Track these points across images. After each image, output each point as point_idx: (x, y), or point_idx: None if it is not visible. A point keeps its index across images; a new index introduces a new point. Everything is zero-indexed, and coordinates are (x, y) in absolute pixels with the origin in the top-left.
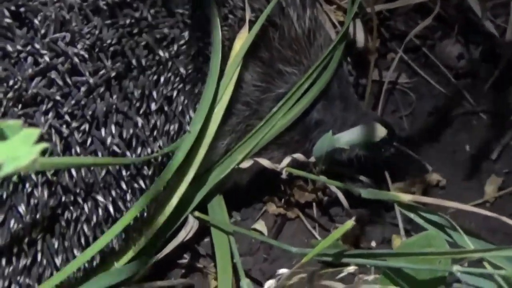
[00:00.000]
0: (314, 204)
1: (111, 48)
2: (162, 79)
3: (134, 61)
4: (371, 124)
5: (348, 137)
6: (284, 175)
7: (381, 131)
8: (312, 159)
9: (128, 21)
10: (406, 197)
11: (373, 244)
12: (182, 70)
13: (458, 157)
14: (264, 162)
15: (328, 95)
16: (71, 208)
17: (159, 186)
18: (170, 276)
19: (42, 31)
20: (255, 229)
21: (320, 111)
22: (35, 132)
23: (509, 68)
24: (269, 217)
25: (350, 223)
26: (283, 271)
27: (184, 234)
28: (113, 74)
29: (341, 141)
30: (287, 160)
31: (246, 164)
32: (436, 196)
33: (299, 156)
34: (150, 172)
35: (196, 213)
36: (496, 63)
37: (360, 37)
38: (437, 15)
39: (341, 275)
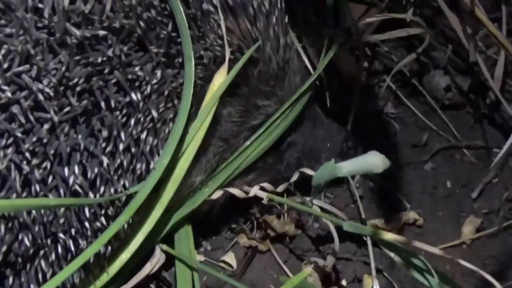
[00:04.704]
0: (287, 238)
1: (78, 88)
2: (132, 120)
3: (102, 103)
4: (375, 155)
5: (351, 166)
6: (265, 201)
7: (385, 162)
8: (279, 188)
9: (99, 59)
10: (388, 236)
11: (344, 283)
12: (154, 112)
13: (438, 193)
14: (235, 191)
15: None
16: (28, 244)
17: (120, 225)
18: None
19: (5, 65)
20: (224, 261)
21: (290, 133)
22: None
23: (497, 102)
24: (240, 249)
25: (307, 271)
26: None
27: (150, 268)
28: (79, 111)
29: (343, 171)
30: (255, 189)
31: (216, 195)
32: (413, 235)
33: (267, 185)
34: (113, 212)
35: (164, 247)
36: (485, 96)
37: (346, 66)
38: (427, 45)
39: None
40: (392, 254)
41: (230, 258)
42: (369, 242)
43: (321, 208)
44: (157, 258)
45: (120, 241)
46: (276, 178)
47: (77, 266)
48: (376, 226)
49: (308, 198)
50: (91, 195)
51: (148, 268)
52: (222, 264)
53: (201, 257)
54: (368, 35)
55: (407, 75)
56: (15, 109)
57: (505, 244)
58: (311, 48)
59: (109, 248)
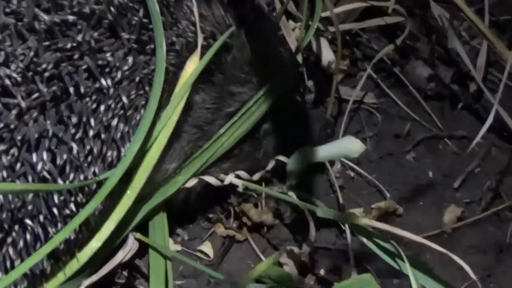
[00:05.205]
0: (264, 227)
1: (47, 73)
2: (102, 107)
3: (71, 89)
4: (351, 139)
5: (326, 151)
6: (240, 189)
7: (361, 147)
8: (255, 176)
9: (69, 45)
10: (361, 220)
11: (322, 272)
12: (124, 99)
13: (419, 182)
14: (210, 179)
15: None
16: None
17: (89, 211)
18: None
19: None
20: (201, 251)
21: (268, 120)
22: None
23: (480, 92)
24: (217, 238)
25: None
26: None
27: (122, 256)
28: (48, 97)
29: (318, 155)
30: (231, 176)
31: (191, 183)
32: (393, 224)
33: (242, 173)
34: (83, 199)
35: (138, 235)
36: (467, 87)
37: (325, 56)
38: (409, 35)
39: None
40: (364, 240)
41: (207, 247)
42: (347, 231)
43: (299, 197)
44: (130, 246)
45: (91, 229)
46: (253, 166)
47: (45, 252)
48: (355, 216)
49: (285, 186)
50: (60, 182)
51: (121, 256)
52: (199, 254)
53: (178, 247)
54: (349, 23)
55: (389, 65)
56: None
57: (486, 234)
58: None
59: (80, 235)
